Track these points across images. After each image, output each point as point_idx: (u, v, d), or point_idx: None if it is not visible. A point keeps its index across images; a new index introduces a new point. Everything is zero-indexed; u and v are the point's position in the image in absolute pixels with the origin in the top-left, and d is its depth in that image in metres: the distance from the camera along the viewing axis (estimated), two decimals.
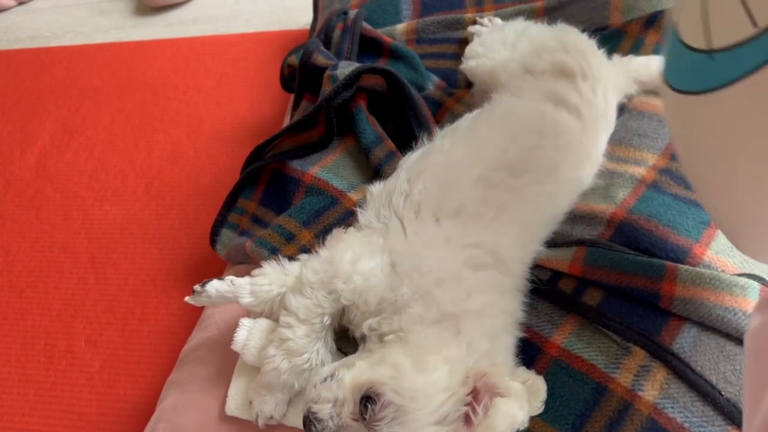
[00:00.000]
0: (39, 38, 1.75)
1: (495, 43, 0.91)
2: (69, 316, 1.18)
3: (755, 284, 0.71)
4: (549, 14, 1.07)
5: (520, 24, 0.96)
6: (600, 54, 0.87)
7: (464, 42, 1.10)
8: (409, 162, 0.81)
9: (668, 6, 1.00)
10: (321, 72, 0.96)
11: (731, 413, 0.64)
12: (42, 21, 1.81)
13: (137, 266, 1.22)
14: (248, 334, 0.75)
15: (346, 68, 0.93)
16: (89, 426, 1.04)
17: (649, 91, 0.93)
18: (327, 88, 0.93)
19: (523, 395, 0.61)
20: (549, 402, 0.66)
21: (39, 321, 1.19)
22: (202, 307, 0.93)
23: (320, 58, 0.99)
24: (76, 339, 1.14)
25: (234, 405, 0.77)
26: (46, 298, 1.22)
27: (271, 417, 0.74)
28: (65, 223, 1.32)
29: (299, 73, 1.00)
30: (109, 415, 1.03)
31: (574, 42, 0.85)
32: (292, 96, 1.19)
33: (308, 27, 1.46)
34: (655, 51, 0.97)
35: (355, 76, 0.91)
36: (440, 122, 0.98)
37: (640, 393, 0.65)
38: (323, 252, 0.74)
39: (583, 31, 0.99)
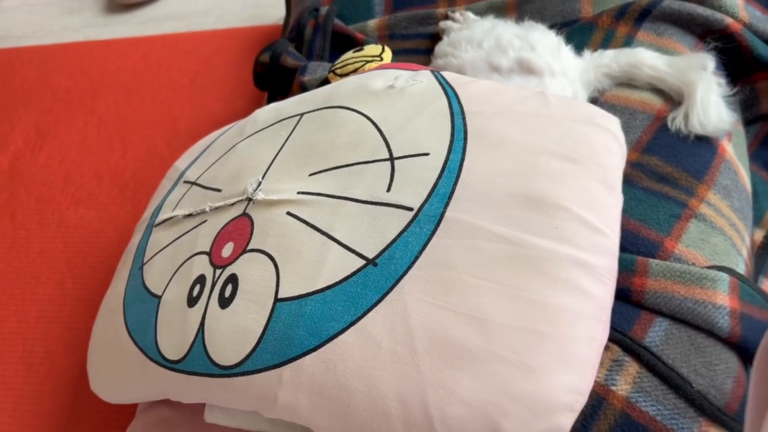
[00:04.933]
0: (9, 38, 1.74)
1: (462, 42, 0.92)
2: (46, 322, 1.17)
3: (725, 276, 0.72)
4: (520, 8, 1.08)
5: (488, 22, 0.97)
6: (567, 50, 0.88)
7: (436, 37, 1.10)
8: None
9: None
10: (291, 73, 0.96)
11: (702, 405, 0.65)
12: (11, 20, 1.79)
13: (115, 270, 1.22)
14: None
15: (314, 73, 0.94)
16: None
17: (621, 84, 0.94)
18: (297, 93, 0.94)
19: None
20: None
21: (16, 328, 1.18)
22: None
23: (289, 60, 0.99)
24: (54, 345, 1.14)
25: (212, 412, 0.78)
26: (23, 304, 1.21)
27: None
28: (40, 227, 1.31)
29: (269, 76, 1.01)
30: (89, 422, 1.04)
31: (540, 39, 0.86)
32: (266, 94, 1.19)
33: (281, 22, 1.45)
34: (626, 43, 0.97)
35: None
36: None
37: (613, 387, 0.66)
38: None
39: (553, 25, 1.01)
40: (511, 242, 0.60)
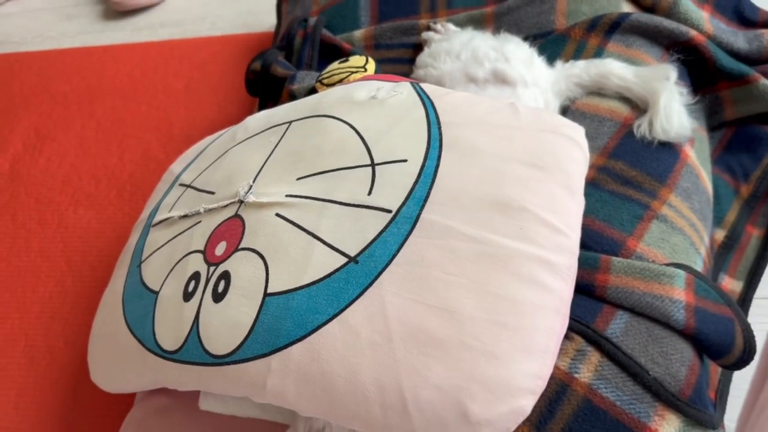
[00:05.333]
0: (8, 44, 1.78)
1: (441, 53, 0.97)
2: (47, 318, 1.22)
3: (682, 273, 0.78)
4: (498, 19, 1.13)
5: (466, 35, 1.02)
6: (539, 61, 0.93)
7: (419, 47, 1.16)
8: None
9: (609, 10, 1.07)
10: (281, 81, 1.01)
11: (658, 391, 0.71)
12: (10, 26, 1.83)
13: (113, 268, 1.26)
14: None
15: (302, 82, 0.99)
16: (70, 423, 1.09)
17: (591, 93, 0.99)
18: (286, 101, 0.99)
19: None
20: None
21: (18, 323, 1.23)
22: None
23: (279, 69, 1.04)
24: (54, 340, 1.19)
25: (206, 400, 0.83)
26: (24, 301, 1.26)
27: None
28: (41, 227, 1.36)
29: (260, 84, 1.06)
30: (90, 411, 1.09)
31: (514, 51, 0.91)
32: (258, 100, 1.24)
33: (273, 29, 1.50)
34: (597, 54, 1.03)
35: None
36: None
37: (577, 375, 0.72)
38: None
39: (528, 37, 1.06)
40: (480, 242, 0.65)
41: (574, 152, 0.74)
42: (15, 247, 1.34)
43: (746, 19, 1.14)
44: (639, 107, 0.96)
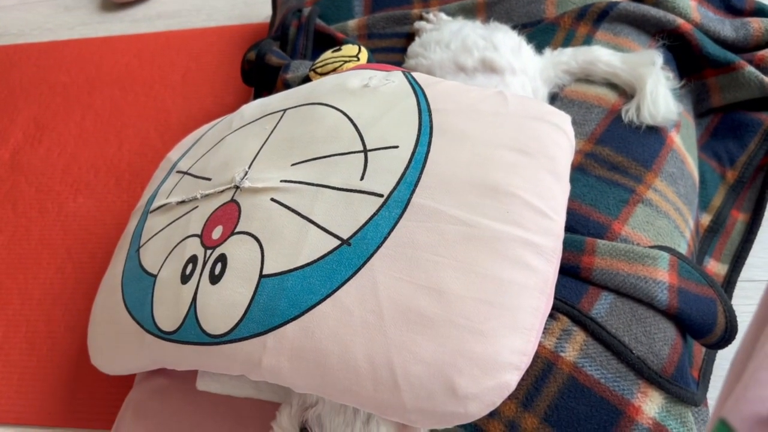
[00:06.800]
0: (6, 36, 1.79)
1: (432, 43, 0.99)
2: (48, 304, 1.24)
3: (666, 255, 0.80)
4: (490, 8, 1.15)
5: (456, 24, 1.04)
6: (528, 49, 0.95)
7: (411, 36, 1.17)
8: None
9: None
10: (275, 71, 1.03)
11: (641, 369, 0.73)
12: (8, 18, 1.84)
13: (112, 254, 1.28)
14: None
15: (297, 71, 1.00)
16: (71, 406, 1.11)
17: (579, 80, 1.01)
18: (281, 89, 1.00)
19: None
20: None
21: (20, 309, 1.24)
22: None
23: (273, 59, 1.05)
24: (55, 325, 1.20)
25: (203, 380, 0.85)
26: (25, 288, 1.27)
27: None
28: (41, 216, 1.37)
29: (255, 73, 1.07)
30: (89, 394, 1.10)
31: (502, 40, 0.93)
32: (253, 89, 1.26)
33: (268, 20, 1.52)
34: (586, 42, 1.05)
35: None
36: None
37: (562, 354, 0.74)
38: None
39: (518, 25, 1.07)
40: (468, 224, 0.67)
41: (559, 139, 0.76)
42: (16, 235, 1.35)
43: (733, 7, 1.15)
44: (627, 93, 0.98)
